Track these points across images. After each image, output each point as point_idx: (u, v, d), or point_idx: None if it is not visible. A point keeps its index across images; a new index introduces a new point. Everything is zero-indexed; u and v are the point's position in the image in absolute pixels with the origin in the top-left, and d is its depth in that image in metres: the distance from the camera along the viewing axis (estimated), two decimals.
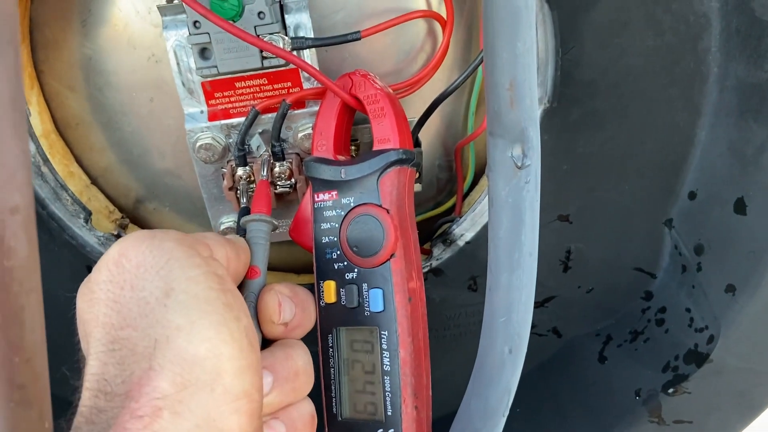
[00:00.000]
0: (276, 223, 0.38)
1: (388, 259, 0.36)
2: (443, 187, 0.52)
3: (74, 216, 0.45)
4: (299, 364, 0.32)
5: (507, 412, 0.35)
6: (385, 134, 0.37)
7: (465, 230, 0.48)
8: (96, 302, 0.28)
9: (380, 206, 0.36)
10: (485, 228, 0.47)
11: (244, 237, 0.37)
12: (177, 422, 0.25)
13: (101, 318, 0.27)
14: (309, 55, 0.41)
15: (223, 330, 0.27)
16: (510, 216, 0.34)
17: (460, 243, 0.48)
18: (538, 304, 0.50)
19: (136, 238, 0.29)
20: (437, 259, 0.49)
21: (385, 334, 0.36)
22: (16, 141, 0.19)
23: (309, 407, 0.33)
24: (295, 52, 0.39)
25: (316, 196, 0.38)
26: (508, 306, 0.34)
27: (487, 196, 0.46)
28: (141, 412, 0.25)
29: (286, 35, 0.40)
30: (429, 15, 0.44)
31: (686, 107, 0.44)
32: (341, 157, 0.39)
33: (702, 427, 0.49)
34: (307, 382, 0.33)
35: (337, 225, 0.37)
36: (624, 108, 0.44)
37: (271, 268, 0.37)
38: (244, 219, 0.37)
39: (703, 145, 0.45)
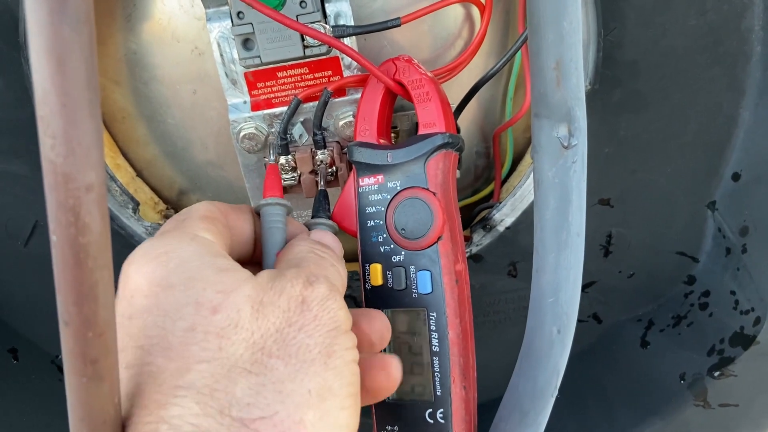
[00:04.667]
0: (290, 205, 0.36)
1: (436, 242, 0.36)
2: (481, 174, 0.52)
3: (123, 206, 0.46)
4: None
5: (556, 393, 0.35)
6: (430, 119, 0.37)
7: (505, 216, 0.48)
8: None
9: (427, 189, 0.36)
10: (525, 213, 0.47)
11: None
12: None
13: None
14: (349, 43, 0.41)
15: None
16: (557, 196, 0.34)
17: (500, 228, 0.48)
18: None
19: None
20: (477, 245, 0.49)
21: (433, 316, 0.36)
22: (91, 120, 0.20)
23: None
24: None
25: (360, 180, 0.39)
26: (556, 286, 0.34)
27: (526, 182, 0.47)
28: None
29: (327, 24, 0.40)
30: (467, 0, 0.44)
31: (729, 87, 0.44)
32: (384, 142, 0.40)
33: (748, 410, 0.48)
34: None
35: (383, 209, 0.38)
36: (666, 89, 0.43)
37: None
38: (258, 204, 0.35)
39: (747, 126, 0.45)
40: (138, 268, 0.27)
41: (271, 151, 0.42)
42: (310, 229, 0.36)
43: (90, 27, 0.19)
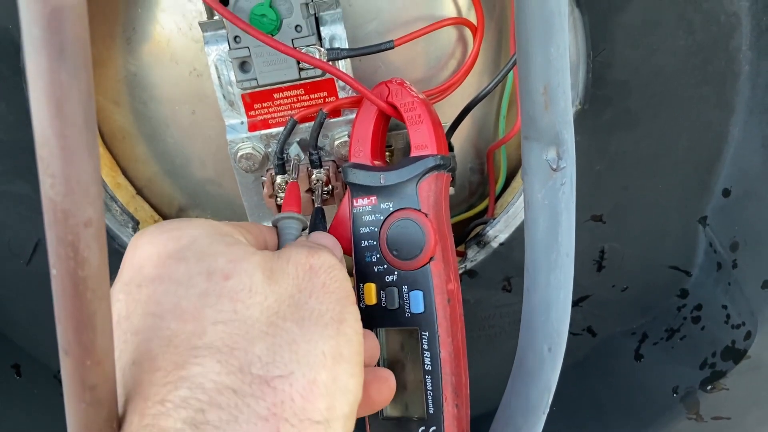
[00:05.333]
0: (306, 220, 0.38)
1: (428, 262, 0.37)
2: (475, 190, 0.53)
3: (123, 225, 0.47)
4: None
5: (547, 410, 0.36)
6: (422, 141, 0.38)
7: (499, 232, 0.49)
8: None
9: (419, 211, 0.37)
10: (519, 230, 0.48)
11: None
12: None
13: None
14: (344, 65, 0.42)
15: None
16: (546, 218, 0.34)
17: (494, 245, 0.49)
18: (573, 304, 0.50)
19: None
20: (472, 261, 0.50)
21: (426, 335, 0.37)
22: (89, 159, 0.21)
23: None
24: (330, 63, 0.41)
25: (354, 201, 0.40)
26: (547, 305, 0.35)
27: (520, 198, 0.47)
28: None
29: (322, 47, 0.41)
30: (460, 22, 0.45)
31: (718, 105, 0.44)
32: (378, 163, 0.41)
33: (741, 423, 0.49)
34: None
35: (376, 229, 0.38)
36: (656, 107, 0.44)
37: None
38: (275, 218, 0.37)
39: (736, 142, 0.45)
40: (151, 239, 0.28)
41: (293, 170, 0.43)
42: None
43: (87, 72, 0.20)
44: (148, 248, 0.27)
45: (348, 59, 0.42)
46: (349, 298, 0.29)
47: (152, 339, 0.25)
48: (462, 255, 0.50)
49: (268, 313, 0.26)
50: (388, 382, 0.34)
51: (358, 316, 0.29)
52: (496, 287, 0.50)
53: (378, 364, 0.39)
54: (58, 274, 0.21)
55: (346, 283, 0.29)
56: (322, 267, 0.29)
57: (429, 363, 0.37)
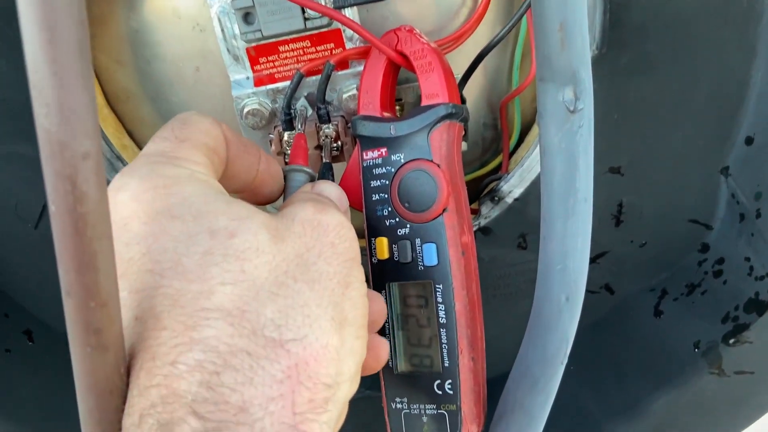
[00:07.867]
0: (313, 173, 0.37)
1: (441, 214, 0.36)
2: (489, 147, 0.52)
3: None
4: None
5: (565, 360, 0.35)
6: (433, 89, 0.37)
7: (513, 186, 0.47)
8: None
9: (431, 161, 0.36)
10: (534, 184, 0.46)
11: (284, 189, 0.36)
12: None
13: None
14: (351, 15, 0.41)
15: None
16: (563, 162, 0.33)
17: (509, 200, 0.48)
18: (590, 261, 0.49)
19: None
20: (486, 218, 0.48)
21: (440, 288, 0.36)
22: (84, 89, 0.20)
23: None
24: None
25: (364, 154, 0.38)
26: (564, 254, 0.34)
27: (535, 151, 0.46)
28: None
29: None
30: None
31: (740, 48, 0.43)
32: (387, 114, 0.39)
33: (764, 377, 0.48)
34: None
35: (387, 182, 0.37)
36: (675, 51, 0.42)
37: None
38: (284, 169, 0.36)
39: (758, 88, 0.44)
40: (135, 195, 0.25)
41: (299, 122, 0.42)
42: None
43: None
44: (133, 205, 0.25)
45: (355, 8, 0.41)
46: (355, 259, 0.28)
47: (155, 296, 0.24)
48: (476, 212, 0.49)
49: (277, 273, 0.25)
50: (375, 350, 0.33)
51: (363, 277, 0.29)
52: (511, 245, 0.49)
53: (391, 320, 0.38)
54: (56, 211, 0.20)
55: (355, 243, 0.29)
56: (331, 224, 0.28)
57: (444, 316, 0.36)
